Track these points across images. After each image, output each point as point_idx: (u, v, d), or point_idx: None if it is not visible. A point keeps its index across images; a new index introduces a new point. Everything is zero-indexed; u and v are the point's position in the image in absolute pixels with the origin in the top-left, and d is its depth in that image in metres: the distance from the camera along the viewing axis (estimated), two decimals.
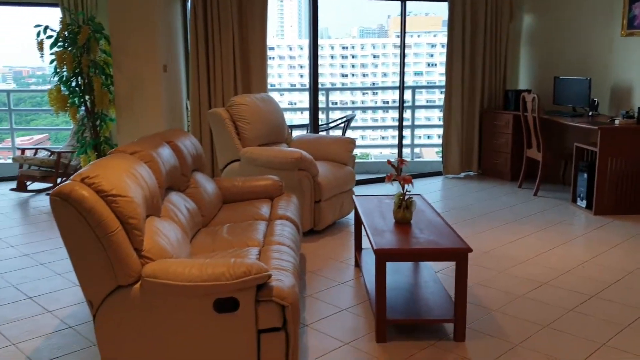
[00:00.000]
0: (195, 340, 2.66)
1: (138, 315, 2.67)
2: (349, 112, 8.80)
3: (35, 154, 6.99)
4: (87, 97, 5.90)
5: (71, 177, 2.74)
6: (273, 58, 20.52)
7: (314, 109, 7.06)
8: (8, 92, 8.42)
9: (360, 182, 6.96)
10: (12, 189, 6.74)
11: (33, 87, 13.84)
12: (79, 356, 3.12)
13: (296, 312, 2.65)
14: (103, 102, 5.84)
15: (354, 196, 4.42)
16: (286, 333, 2.64)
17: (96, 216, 2.59)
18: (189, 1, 6.21)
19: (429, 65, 20.17)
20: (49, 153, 6.80)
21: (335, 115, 9.00)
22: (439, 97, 14.29)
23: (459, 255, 3.18)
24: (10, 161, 7.52)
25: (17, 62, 14.26)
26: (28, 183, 6.82)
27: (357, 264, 4.32)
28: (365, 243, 4.26)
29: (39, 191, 6.82)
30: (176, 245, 3.05)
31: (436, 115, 12.70)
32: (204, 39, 6.17)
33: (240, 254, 3.19)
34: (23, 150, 6.98)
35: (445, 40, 7.28)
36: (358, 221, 4.36)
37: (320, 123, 7.41)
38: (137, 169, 3.07)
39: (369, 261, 4.08)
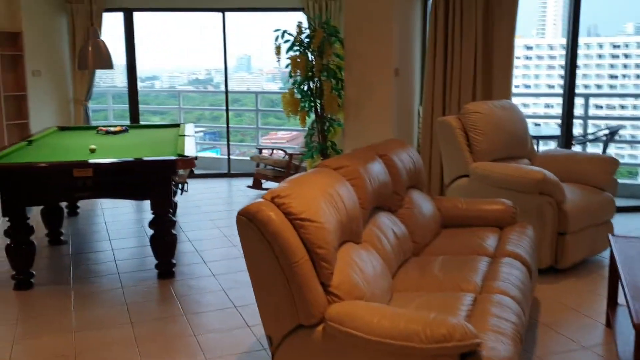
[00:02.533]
0: None
1: None
2: (613, 124, 7.43)
3: (272, 154, 7.21)
4: (317, 101, 5.81)
5: (264, 194, 2.46)
6: (531, 58, 18.86)
7: (567, 117, 6.00)
8: (256, 93, 8.95)
9: (623, 210, 5.68)
10: (248, 186, 7.05)
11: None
12: None
13: None
14: (332, 107, 5.68)
15: (611, 235, 3.46)
16: None
17: (280, 242, 2.25)
18: (430, 0, 5.72)
19: None
20: (284, 154, 6.95)
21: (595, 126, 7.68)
22: None
23: None
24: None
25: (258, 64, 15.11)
26: (263, 181, 7.07)
27: (609, 324, 3.37)
28: (622, 297, 3.29)
29: None
30: (372, 280, 2.58)
31: None
32: (442, 40, 5.61)
33: (449, 302, 2.60)
34: (260, 150, 7.26)
35: None
36: (614, 267, 3.40)
37: (574, 135, 6.30)
38: (337, 188, 2.68)
39: (626, 324, 3.13)
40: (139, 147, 4.76)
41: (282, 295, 2.29)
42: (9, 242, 4.03)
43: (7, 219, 3.98)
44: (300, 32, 5.71)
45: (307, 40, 5.69)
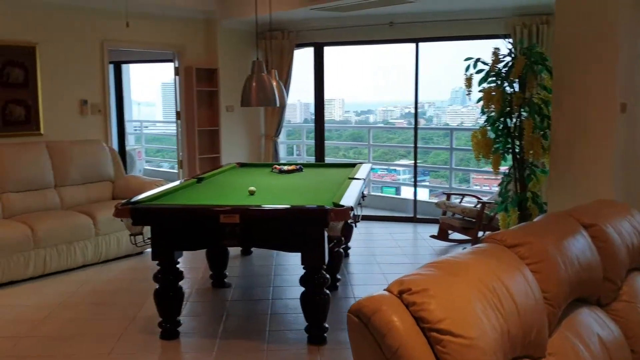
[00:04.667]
0: None
1: None
2: None
3: (461, 200, 6.32)
4: (515, 142, 4.83)
5: (390, 283, 1.72)
6: None
7: None
8: (451, 129, 8.10)
9: None
10: (432, 236, 6.24)
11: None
12: None
13: None
14: (534, 149, 4.65)
15: None
16: None
17: None
18: None
19: None
20: (477, 201, 6.02)
21: None
22: None
23: None
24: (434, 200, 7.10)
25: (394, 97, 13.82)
26: (450, 232, 6.20)
27: None
28: None
29: (459, 242, 6.12)
30: None
31: None
32: None
33: None
34: (449, 195, 6.41)
35: None
36: None
37: None
38: (506, 278, 1.83)
39: None
40: (301, 191, 4.31)
41: None
42: (157, 287, 3.81)
43: (157, 262, 3.78)
44: (497, 61, 4.82)
45: (505, 69, 4.78)
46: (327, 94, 7.59)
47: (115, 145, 9.98)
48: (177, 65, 7.12)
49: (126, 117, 10.39)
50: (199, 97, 7.15)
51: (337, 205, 3.52)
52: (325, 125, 7.70)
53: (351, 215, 3.48)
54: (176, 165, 7.65)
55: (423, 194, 8.85)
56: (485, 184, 8.97)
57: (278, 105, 4.42)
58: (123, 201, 3.78)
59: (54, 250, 5.05)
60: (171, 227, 3.68)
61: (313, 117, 7.81)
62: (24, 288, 4.81)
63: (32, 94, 5.75)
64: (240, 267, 5.43)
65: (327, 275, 3.71)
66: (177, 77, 7.15)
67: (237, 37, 7.26)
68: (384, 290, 1.70)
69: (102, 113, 6.40)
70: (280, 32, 7.24)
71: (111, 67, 9.79)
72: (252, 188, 4.16)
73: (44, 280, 4.99)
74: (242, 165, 5.86)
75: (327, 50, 7.46)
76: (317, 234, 3.53)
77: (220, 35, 7.20)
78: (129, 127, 11.33)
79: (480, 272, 1.79)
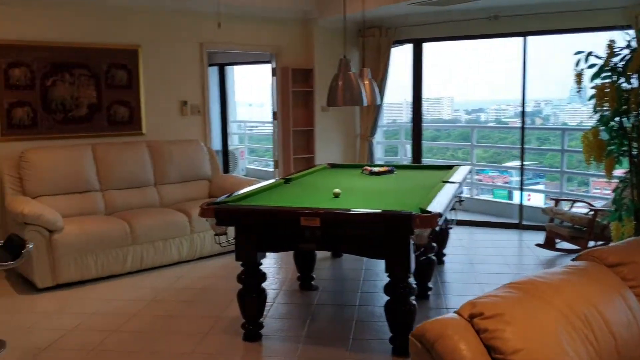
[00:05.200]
0: None
1: None
2: None
3: (572, 206, 5.80)
4: (633, 144, 4.32)
5: (462, 305, 1.51)
6: None
7: None
8: (563, 130, 7.50)
9: None
10: (538, 245, 5.77)
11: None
12: None
13: None
14: None
15: None
16: None
17: None
18: None
19: None
20: (589, 208, 5.50)
21: None
22: None
23: None
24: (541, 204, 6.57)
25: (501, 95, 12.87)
26: (557, 241, 5.71)
27: None
28: None
29: (568, 252, 5.62)
30: None
31: None
32: None
33: None
34: (557, 201, 5.91)
35: None
36: None
37: None
38: (600, 303, 1.55)
39: None
40: (388, 195, 4.11)
41: None
42: (241, 288, 3.78)
43: (240, 263, 3.75)
44: (612, 54, 4.33)
45: (621, 63, 4.28)
46: (435, 92, 7.29)
47: (218, 145, 10.29)
48: (274, 66, 7.15)
49: (230, 117, 10.66)
50: (294, 97, 7.14)
51: (424, 211, 3.30)
52: (432, 124, 7.40)
53: (439, 222, 3.23)
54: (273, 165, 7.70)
55: (537, 199, 8.27)
56: (606, 188, 8.21)
57: (365, 104, 4.24)
58: (209, 201, 3.79)
59: (150, 246, 5.21)
60: (253, 228, 3.63)
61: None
62: (122, 282, 5.00)
63: (134, 95, 5.99)
64: (329, 270, 5.32)
65: (414, 284, 3.49)
66: (274, 78, 7.17)
67: (333, 36, 7.16)
68: (454, 312, 1.49)
69: (201, 113, 6.55)
70: (377, 28, 7.06)
71: (215, 69, 10.10)
72: (337, 190, 4.02)
73: (140, 275, 5.16)
74: (333, 166, 5.74)
75: (431, 47, 7.17)
76: (402, 241, 3.32)
77: (316, 34, 7.15)
78: (233, 127, 11.63)
79: (570, 296, 1.53)
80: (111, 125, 5.87)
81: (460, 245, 6.04)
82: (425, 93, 7.31)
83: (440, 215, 3.23)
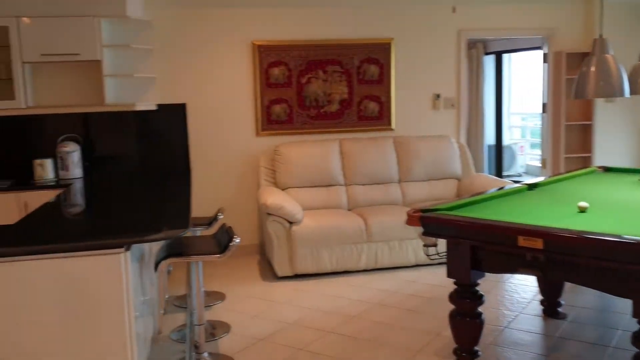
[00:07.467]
0: None
1: None
2: None
3: None
4: None
5: None
6: None
7: None
8: None
9: None
10: None
11: None
12: None
13: None
14: None
15: None
16: None
17: None
18: None
19: None
20: None
21: None
22: None
23: None
24: None
25: None
26: None
27: None
28: None
29: None
30: None
31: None
32: None
33: None
34: None
35: None
36: None
37: None
38: None
39: None
40: None
41: None
42: (453, 309, 3.34)
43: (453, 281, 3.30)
44: None
45: None
46: None
47: (491, 140, 9.61)
48: (545, 52, 6.27)
49: (506, 109, 9.88)
50: (567, 86, 6.15)
51: None
52: None
53: None
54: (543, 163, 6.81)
55: None
56: None
57: (627, 95, 3.29)
58: (419, 206, 3.42)
59: (385, 245, 5.05)
60: (464, 242, 3.14)
61: None
62: (355, 280, 4.95)
63: (385, 89, 5.87)
64: (584, 295, 4.41)
65: None
66: (545, 64, 6.30)
67: (625, 11, 5.93)
68: None
69: (455, 107, 6.11)
70: None
71: (492, 57, 9.43)
72: (583, 204, 3.23)
73: (373, 275, 5.04)
74: (607, 169, 4.74)
75: None
76: None
77: (603, 10, 6.01)
78: (512, 120, 10.78)
79: None
80: (360, 120, 5.86)
81: None
82: None
83: None
